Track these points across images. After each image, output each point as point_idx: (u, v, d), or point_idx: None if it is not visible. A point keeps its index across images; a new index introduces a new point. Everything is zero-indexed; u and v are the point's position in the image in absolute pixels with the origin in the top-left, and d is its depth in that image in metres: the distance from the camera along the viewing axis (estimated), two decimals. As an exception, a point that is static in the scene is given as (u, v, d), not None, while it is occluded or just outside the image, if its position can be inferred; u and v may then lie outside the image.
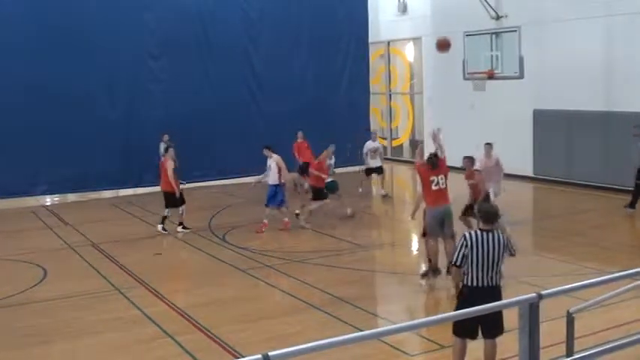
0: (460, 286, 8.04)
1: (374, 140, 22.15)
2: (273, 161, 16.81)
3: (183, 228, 17.07)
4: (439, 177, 12.13)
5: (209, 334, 10.18)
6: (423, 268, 12.68)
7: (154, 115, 22.98)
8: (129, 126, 22.36)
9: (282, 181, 16.96)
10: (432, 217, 12.15)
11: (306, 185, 20.56)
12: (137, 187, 23.03)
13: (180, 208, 17.08)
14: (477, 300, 7.04)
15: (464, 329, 7.86)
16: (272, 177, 16.83)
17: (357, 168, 23.87)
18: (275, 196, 16.87)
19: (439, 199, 12.15)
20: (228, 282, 12.95)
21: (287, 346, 4.99)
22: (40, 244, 16.36)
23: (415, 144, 18.29)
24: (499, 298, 7.68)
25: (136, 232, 17.68)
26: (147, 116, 22.87)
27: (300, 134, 21.69)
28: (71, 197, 22.83)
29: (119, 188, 22.80)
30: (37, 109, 21.22)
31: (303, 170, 21.26)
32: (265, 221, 16.89)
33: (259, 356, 4.66)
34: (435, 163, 12.25)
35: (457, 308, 7.68)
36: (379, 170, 21.85)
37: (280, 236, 16.56)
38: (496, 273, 7.79)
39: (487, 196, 14.31)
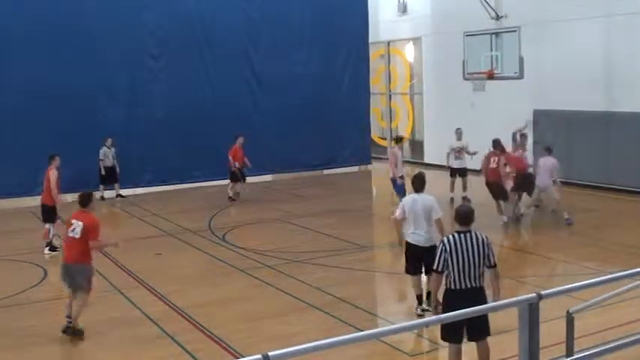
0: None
1: (459, 138, 19.80)
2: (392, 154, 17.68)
3: (50, 249, 15.46)
4: (77, 222, 10.26)
5: (209, 334, 10.18)
6: None
7: (153, 116, 23.06)
8: (128, 126, 22.36)
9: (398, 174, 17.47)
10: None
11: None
12: (137, 187, 23.02)
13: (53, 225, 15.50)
14: (460, 303, 7.00)
15: (450, 333, 7.82)
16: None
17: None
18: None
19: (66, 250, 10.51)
20: (228, 282, 12.95)
21: (287, 346, 4.99)
22: (40, 244, 16.34)
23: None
24: (483, 300, 7.62)
25: (136, 231, 17.68)
26: (147, 116, 22.90)
27: (240, 139, 20.99)
28: (70, 197, 22.74)
29: (119, 188, 22.76)
30: (36, 109, 21.27)
31: (240, 176, 21.04)
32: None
33: (259, 356, 4.66)
34: (85, 203, 10.41)
35: (443, 313, 7.61)
36: (463, 172, 19.59)
37: (280, 236, 16.56)
38: (479, 275, 7.74)
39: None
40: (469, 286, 7.69)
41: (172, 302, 11.68)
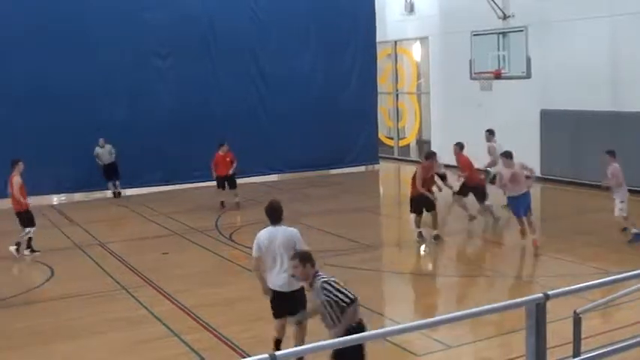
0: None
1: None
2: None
3: (30, 251, 15.43)
4: None
5: (216, 333, 10.19)
6: None
7: (159, 115, 23.07)
8: (135, 126, 22.37)
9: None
10: None
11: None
12: (144, 186, 23.02)
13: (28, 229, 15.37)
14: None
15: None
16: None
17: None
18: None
19: None
20: (234, 281, 12.96)
21: (294, 345, 4.99)
22: (47, 243, 16.36)
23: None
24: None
25: (143, 231, 17.70)
26: (153, 116, 22.94)
27: (224, 148, 20.04)
28: (77, 197, 22.83)
29: (125, 188, 22.79)
30: (43, 109, 21.40)
31: (226, 184, 20.16)
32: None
33: (266, 355, 4.66)
34: None
35: None
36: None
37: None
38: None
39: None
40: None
41: (179, 301, 11.70)
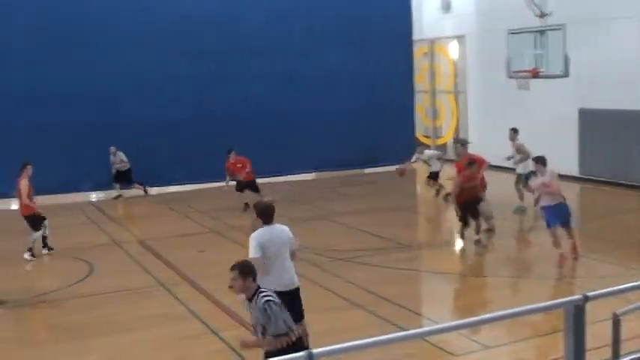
0: None
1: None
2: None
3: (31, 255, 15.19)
4: None
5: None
6: None
7: (184, 114, 23.16)
8: (160, 125, 22.51)
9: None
10: None
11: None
12: (183, 184, 23.14)
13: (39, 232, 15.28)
14: None
15: None
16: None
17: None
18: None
19: None
20: (271, 279, 13.00)
21: (330, 344, 5.01)
22: (86, 239, 16.59)
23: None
24: None
25: (181, 228, 17.82)
26: (178, 116, 23.08)
27: (232, 154, 19.60)
28: (115, 194, 23.04)
29: (162, 185, 22.92)
30: (80, 109, 21.67)
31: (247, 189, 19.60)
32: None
33: (303, 354, 4.70)
34: None
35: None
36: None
37: (324, 235, 16.56)
38: None
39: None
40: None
41: (217, 299, 11.78)
